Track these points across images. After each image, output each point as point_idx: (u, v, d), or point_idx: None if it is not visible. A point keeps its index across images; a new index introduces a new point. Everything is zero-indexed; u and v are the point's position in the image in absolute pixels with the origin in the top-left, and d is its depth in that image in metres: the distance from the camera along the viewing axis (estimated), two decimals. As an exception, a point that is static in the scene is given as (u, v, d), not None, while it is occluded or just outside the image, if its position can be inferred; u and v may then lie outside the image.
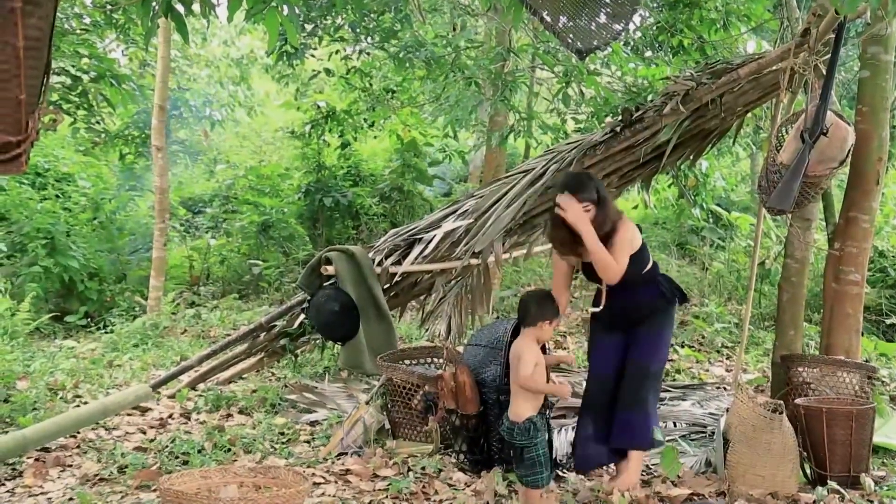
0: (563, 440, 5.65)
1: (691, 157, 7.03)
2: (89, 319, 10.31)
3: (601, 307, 4.80)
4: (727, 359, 8.65)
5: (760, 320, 9.84)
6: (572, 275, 4.96)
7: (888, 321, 9.43)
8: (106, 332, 9.58)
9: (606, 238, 4.63)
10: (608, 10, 5.32)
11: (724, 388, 7.15)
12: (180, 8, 3.95)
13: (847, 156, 4.85)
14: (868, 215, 5.26)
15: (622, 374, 4.85)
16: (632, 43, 9.75)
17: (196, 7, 4.06)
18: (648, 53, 9.86)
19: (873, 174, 4.90)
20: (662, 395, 7.03)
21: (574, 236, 4.61)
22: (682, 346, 8.95)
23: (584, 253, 4.66)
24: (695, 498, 4.87)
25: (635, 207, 13.35)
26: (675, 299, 4.99)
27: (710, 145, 6.89)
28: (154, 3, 3.86)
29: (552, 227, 4.84)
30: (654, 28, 9.24)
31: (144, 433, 5.94)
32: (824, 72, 5.04)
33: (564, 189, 4.67)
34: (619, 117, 6.68)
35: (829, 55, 4.94)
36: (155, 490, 4.70)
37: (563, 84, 9.36)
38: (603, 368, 4.93)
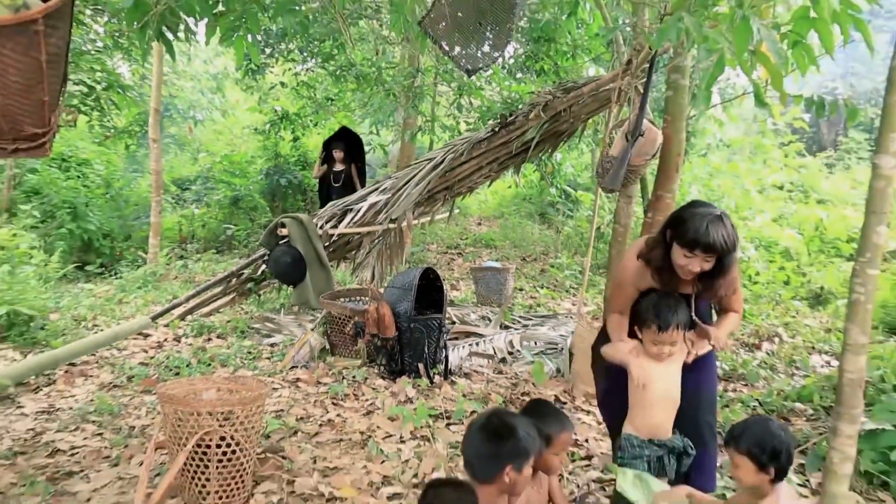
0: (455, 355, 5.74)
1: (549, 151, 7.09)
2: (104, 268, 10.23)
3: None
4: (573, 296, 8.83)
5: (597, 269, 10.02)
6: None
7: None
8: (116, 278, 9.49)
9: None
10: (489, 42, 5.34)
11: (571, 317, 7.30)
12: (170, 35, 3.85)
13: (657, 151, 4.96)
14: (671, 193, 5.35)
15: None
16: (507, 67, 9.78)
17: (181, 34, 3.96)
18: (519, 75, 9.90)
19: (674, 164, 5.01)
20: (527, 322, 7.16)
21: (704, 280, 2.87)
22: (542, 288, 9.10)
23: (685, 285, 2.94)
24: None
25: (510, 187, 13.48)
26: None
27: (562, 142, 6.95)
28: (149, 31, 3.74)
29: (663, 272, 2.90)
30: (523, 56, 9.29)
31: (146, 352, 5.87)
32: (642, 91, 5.13)
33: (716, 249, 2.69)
34: (498, 120, 6.70)
35: (645, 79, 5.03)
36: (154, 394, 4.66)
37: (458, 95, 9.38)
38: None
